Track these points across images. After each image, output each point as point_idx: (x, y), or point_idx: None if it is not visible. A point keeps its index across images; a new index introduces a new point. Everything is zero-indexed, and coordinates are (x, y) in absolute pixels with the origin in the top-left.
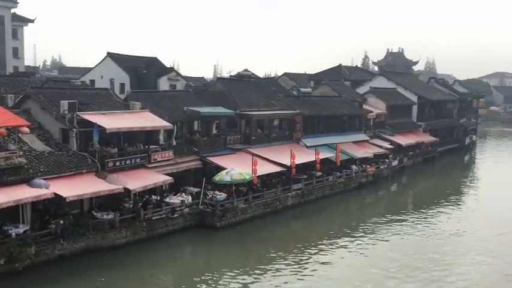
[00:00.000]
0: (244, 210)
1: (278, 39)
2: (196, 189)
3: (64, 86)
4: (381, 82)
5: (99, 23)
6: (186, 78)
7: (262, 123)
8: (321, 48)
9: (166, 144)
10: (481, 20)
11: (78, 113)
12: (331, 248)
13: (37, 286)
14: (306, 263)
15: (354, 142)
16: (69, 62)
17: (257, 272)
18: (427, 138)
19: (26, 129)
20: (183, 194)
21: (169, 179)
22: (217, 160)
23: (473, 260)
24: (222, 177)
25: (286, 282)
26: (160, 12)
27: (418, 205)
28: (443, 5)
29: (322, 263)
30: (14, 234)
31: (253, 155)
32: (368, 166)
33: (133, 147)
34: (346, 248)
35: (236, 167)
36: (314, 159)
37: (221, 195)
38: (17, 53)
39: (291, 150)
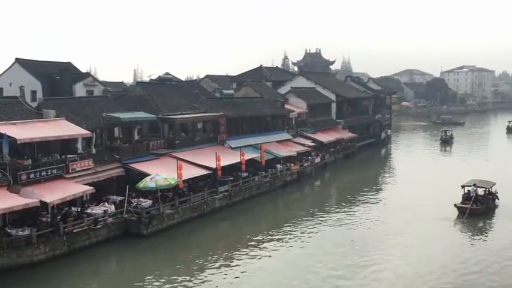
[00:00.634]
0: (171, 215)
1: (199, 42)
2: (119, 198)
3: None
4: (301, 82)
5: (4, 26)
6: (104, 84)
7: (186, 126)
8: (241, 49)
9: (85, 152)
10: (391, 20)
11: None
12: (261, 248)
13: None
14: (236, 265)
15: (277, 141)
16: None
17: (187, 278)
18: (347, 135)
19: None
20: (106, 203)
21: (89, 189)
22: (141, 166)
23: (393, 247)
24: (146, 183)
25: (217, 287)
26: (73, 15)
27: (342, 199)
28: (357, 6)
29: (253, 263)
30: None
31: (178, 159)
32: (292, 164)
33: (48, 158)
34: (275, 245)
35: (161, 173)
36: (239, 160)
37: (146, 202)
38: None
39: (216, 153)
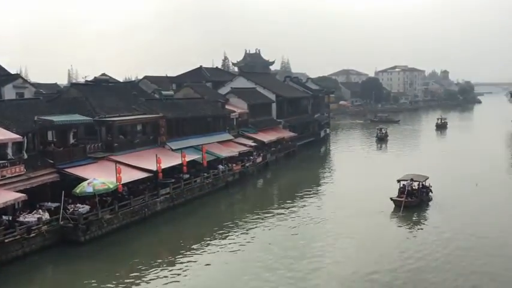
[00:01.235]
0: (110, 221)
1: (138, 43)
2: (55, 204)
3: None
4: (241, 82)
5: None
6: (36, 85)
7: (125, 128)
8: (180, 50)
9: (16, 158)
10: (328, 20)
11: None
12: (205, 249)
13: None
14: (180, 269)
15: (219, 142)
16: None
17: (129, 285)
18: (287, 134)
19: None
20: (40, 210)
21: (21, 196)
22: (77, 171)
23: (333, 242)
24: (83, 188)
25: None
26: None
27: (283, 197)
28: (295, 7)
29: (197, 266)
30: None
31: (117, 162)
32: (234, 165)
33: None
34: (220, 247)
35: (99, 177)
36: (181, 161)
37: (84, 208)
38: None
39: (157, 155)
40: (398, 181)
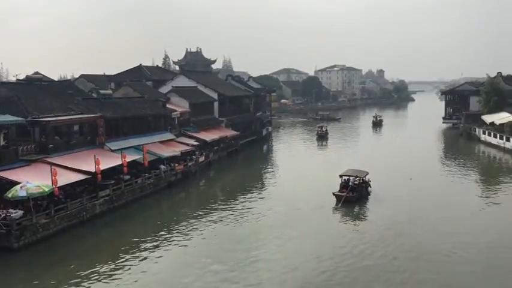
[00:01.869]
0: (46, 225)
1: (72, 40)
2: None
3: None
4: (183, 81)
5: None
6: None
7: (60, 129)
8: (119, 48)
9: None
10: (270, 19)
11: None
12: (149, 251)
13: None
14: (123, 273)
15: (160, 142)
16: None
17: None
18: (229, 133)
19: None
20: None
21: None
22: (8, 174)
23: (277, 238)
24: (16, 192)
25: None
26: None
27: (227, 196)
28: (236, 6)
29: (139, 269)
30: None
31: (52, 164)
32: (176, 164)
33: None
34: (163, 248)
35: (32, 180)
36: (121, 162)
37: (17, 213)
38: None
39: (95, 156)
40: (340, 176)
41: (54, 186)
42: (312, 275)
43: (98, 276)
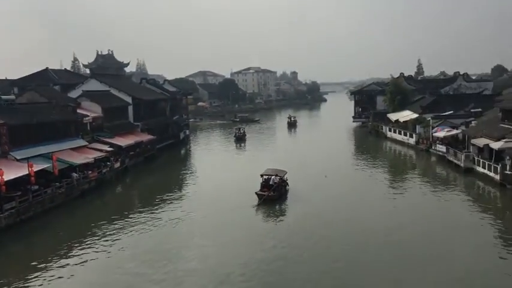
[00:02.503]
0: None
1: None
2: None
3: None
4: (94, 85)
5: None
6: None
7: None
8: (23, 51)
9: None
10: (184, 21)
11: None
12: (62, 263)
13: None
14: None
15: (71, 149)
16: None
17: None
18: (146, 137)
19: None
20: None
21: None
22: None
23: (201, 241)
24: None
25: None
26: None
27: (145, 202)
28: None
29: (56, 284)
30: None
31: None
32: (90, 172)
33: None
34: (78, 258)
35: None
36: (28, 172)
37: None
38: None
39: None
40: (261, 176)
41: None
42: (233, 276)
43: None
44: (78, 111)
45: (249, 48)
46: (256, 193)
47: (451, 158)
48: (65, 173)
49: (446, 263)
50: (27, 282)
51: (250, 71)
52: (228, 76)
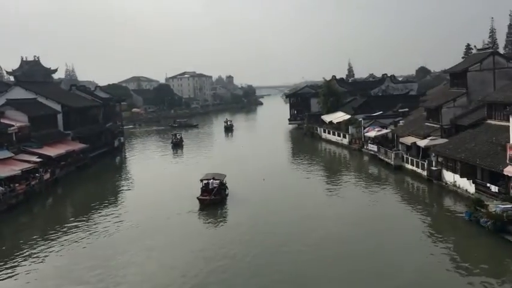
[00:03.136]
0: None
1: None
2: None
3: None
4: (19, 93)
5: None
6: None
7: None
8: None
9: None
10: (114, 27)
11: None
12: None
13: None
14: None
15: None
16: None
17: None
18: (77, 146)
19: None
20: None
21: None
22: None
23: (142, 249)
24: None
25: None
26: None
27: (80, 212)
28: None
29: None
30: None
31: None
32: (17, 185)
33: None
34: (5, 278)
35: None
36: None
37: None
38: None
39: None
40: (201, 180)
41: None
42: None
43: None
44: (2, 120)
45: (183, 53)
46: (197, 198)
47: (382, 157)
48: None
49: (375, 256)
50: None
51: (186, 75)
52: (162, 81)
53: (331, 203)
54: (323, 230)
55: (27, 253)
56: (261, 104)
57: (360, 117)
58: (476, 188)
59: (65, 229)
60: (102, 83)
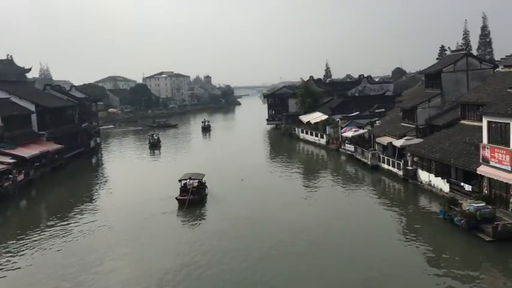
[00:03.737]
0: None
1: None
2: None
3: None
4: None
5: None
6: None
7: None
8: None
9: None
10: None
11: None
12: None
13: None
14: None
15: None
16: None
17: None
18: (52, 147)
19: None
20: None
21: None
22: None
23: (122, 251)
24: None
25: None
26: None
27: (55, 215)
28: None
29: None
30: None
31: None
32: None
33: None
34: None
35: None
36: None
37: None
38: None
39: None
40: (180, 180)
41: None
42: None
43: None
44: None
45: (160, 52)
46: (176, 198)
47: (359, 157)
48: None
49: (346, 252)
50: None
51: (163, 75)
52: (140, 81)
53: (308, 202)
54: (299, 228)
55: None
56: (239, 104)
57: (337, 118)
58: (450, 187)
59: (38, 231)
60: (78, 82)
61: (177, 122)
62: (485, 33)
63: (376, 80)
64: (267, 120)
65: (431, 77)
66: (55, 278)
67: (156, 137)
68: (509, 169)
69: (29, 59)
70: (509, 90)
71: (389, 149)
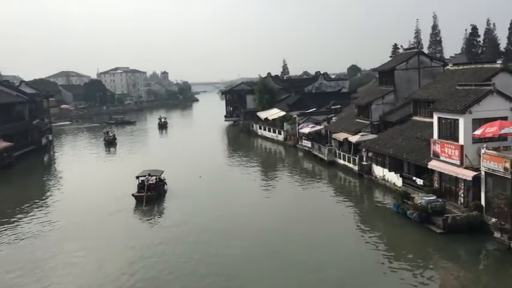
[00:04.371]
0: None
1: None
2: None
3: None
4: None
5: None
6: None
7: None
8: None
9: None
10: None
11: None
12: None
13: None
14: None
15: None
16: None
17: None
18: (1, 145)
19: None
20: None
21: None
22: None
23: (76, 252)
24: None
25: None
26: None
27: (3, 215)
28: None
29: None
30: None
31: None
32: None
33: None
34: None
35: None
36: None
37: None
38: None
39: None
40: (137, 177)
41: None
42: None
43: None
44: None
45: (116, 48)
46: (133, 195)
47: (316, 153)
48: None
49: (302, 244)
50: None
51: (118, 71)
52: (94, 77)
53: (266, 197)
54: (256, 223)
55: None
56: (197, 100)
57: (294, 114)
58: (403, 182)
59: None
60: (29, 78)
61: (134, 119)
62: (435, 32)
63: (332, 77)
64: (225, 116)
65: (385, 74)
66: None
67: (111, 134)
68: (459, 163)
69: None
70: (458, 87)
71: (345, 144)
